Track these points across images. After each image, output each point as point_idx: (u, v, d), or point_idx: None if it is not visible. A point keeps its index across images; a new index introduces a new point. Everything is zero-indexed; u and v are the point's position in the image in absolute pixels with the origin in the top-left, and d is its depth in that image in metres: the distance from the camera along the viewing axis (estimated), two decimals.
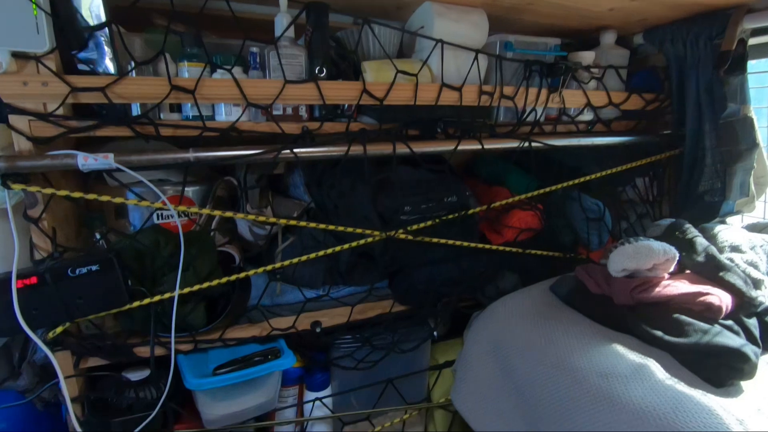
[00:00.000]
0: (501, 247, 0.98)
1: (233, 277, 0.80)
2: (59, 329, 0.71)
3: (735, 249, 0.88)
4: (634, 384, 0.66)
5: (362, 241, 0.87)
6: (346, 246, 0.86)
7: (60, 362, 0.70)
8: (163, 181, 0.86)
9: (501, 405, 0.83)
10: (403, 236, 0.89)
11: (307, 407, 0.94)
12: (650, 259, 0.81)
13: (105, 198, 0.71)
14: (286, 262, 0.84)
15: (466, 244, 0.94)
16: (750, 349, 0.66)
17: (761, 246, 0.92)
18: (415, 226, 0.90)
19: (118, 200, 0.71)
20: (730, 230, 0.94)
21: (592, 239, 1.03)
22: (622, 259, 0.83)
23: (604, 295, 0.86)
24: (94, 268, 0.70)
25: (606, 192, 1.10)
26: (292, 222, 0.83)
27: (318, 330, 0.90)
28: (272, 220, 0.82)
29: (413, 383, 1.02)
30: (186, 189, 0.86)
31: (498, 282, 1.02)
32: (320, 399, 0.92)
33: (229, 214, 0.79)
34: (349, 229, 0.86)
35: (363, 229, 0.87)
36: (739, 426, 0.57)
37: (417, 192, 0.94)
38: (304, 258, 0.84)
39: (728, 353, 0.66)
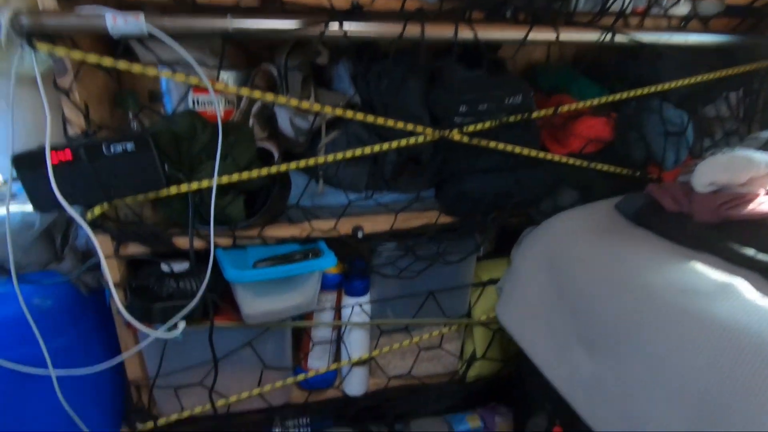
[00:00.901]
0: (564, 158, 0.88)
1: (273, 169, 0.74)
2: (98, 210, 0.68)
3: None
4: (718, 301, 0.59)
5: (411, 140, 0.79)
6: (394, 143, 0.79)
7: (100, 245, 0.68)
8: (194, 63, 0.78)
9: (553, 322, 0.78)
10: (457, 137, 0.80)
11: (345, 313, 0.92)
12: (747, 171, 0.70)
13: (137, 69, 0.64)
14: (329, 157, 0.77)
15: (526, 151, 0.85)
16: None
17: None
18: (471, 128, 0.81)
19: (151, 71, 0.65)
20: None
21: (668, 156, 0.91)
22: (714, 170, 0.73)
23: (681, 213, 0.76)
24: (129, 147, 0.66)
25: (689, 107, 0.96)
26: (338, 112, 0.75)
27: (360, 235, 0.85)
28: (315, 106, 0.74)
29: (454, 298, 0.98)
30: (222, 74, 0.79)
31: (556, 198, 0.93)
32: (359, 304, 0.90)
33: (269, 95, 0.71)
34: (399, 125, 0.77)
35: (418, 128, 0.78)
36: None
37: (475, 89, 0.84)
38: (349, 154, 0.78)
39: None
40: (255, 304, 0.79)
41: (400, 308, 0.96)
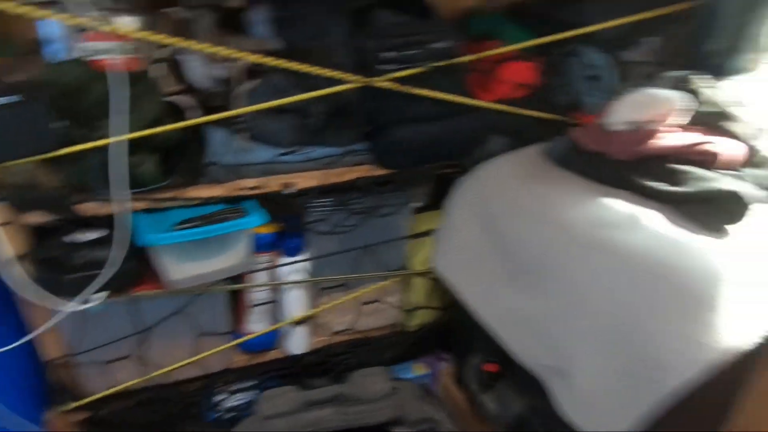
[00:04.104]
0: (491, 105, 0.88)
1: (184, 124, 0.69)
2: None
3: (740, 103, 0.81)
4: (628, 232, 0.63)
5: (336, 88, 0.76)
6: (317, 93, 0.75)
7: None
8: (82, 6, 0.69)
9: (485, 266, 0.80)
10: (384, 84, 0.78)
11: (282, 273, 0.90)
12: (654, 108, 0.73)
13: (10, 6, 0.56)
14: (247, 109, 0.72)
15: (455, 98, 0.84)
16: (746, 192, 0.62)
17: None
18: (398, 74, 0.79)
19: (30, 12, 0.56)
20: (737, 86, 0.86)
21: (591, 100, 0.94)
22: (624, 110, 0.75)
23: (600, 153, 0.79)
24: (13, 100, 0.58)
25: (610, 51, 0.99)
26: (253, 58, 0.70)
27: (290, 191, 0.82)
28: (229, 53, 0.68)
29: (392, 251, 0.98)
30: (120, 19, 0.70)
31: (486, 145, 0.94)
32: (294, 263, 0.88)
33: (178, 41, 0.65)
34: (323, 72, 0.74)
35: (342, 75, 0.75)
36: (734, 263, 0.55)
37: (401, 35, 0.81)
38: (269, 105, 0.73)
39: (727, 196, 0.62)
40: (180, 269, 0.75)
41: (340, 265, 0.96)
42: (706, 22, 1.00)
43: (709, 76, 0.98)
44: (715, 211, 0.63)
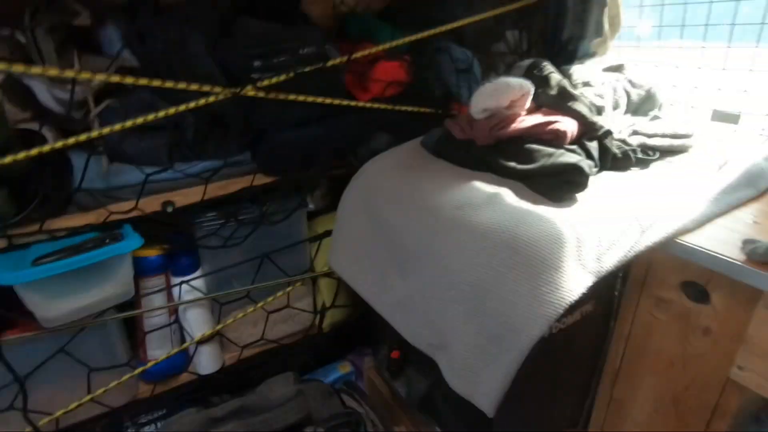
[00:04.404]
0: (368, 104, 0.92)
1: (34, 152, 0.65)
2: None
3: (586, 84, 0.91)
4: (484, 210, 0.68)
5: (202, 101, 0.75)
6: (183, 107, 0.74)
7: None
8: None
9: (373, 258, 0.83)
10: (252, 93, 0.78)
11: (178, 293, 0.88)
12: (507, 95, 0.80)
13: None
14: (107, 130, 0.70)
15: (329, 100, 0.86)
16: (585, 163, 0.70)
17: (610, 82, 0.96)
18: (266, 82, 0.79)
19: None
20: (585, 69, 0.97)
21: (462, 92, 1.01)
22: (482, 98, 0.82)
23: (468, 139, 0.85)
24: None
25: (478, 45, 1.07)
26: (99, 77, 0.67)
27: (169, 210, 0.80)
28: (72, 73, 0.65)
29: (293, 256, 0.99)
30: None
31: (370, 143, 0.97)
32: (187, 282, 0.86)
33: (16, 66, 0.61)
34: (185, 86, 0.72)
35: (207, 87, 0.74)
36: (570, 228, 0.61)
37: (267, 42, 0.81)
38: (129, 123, 0.71)
39: (567, 169, 0.69)
40: (54, 306, 0.71)
41: (242, 276, 0.95)
42: (559, 12, 1.11)
43: (564, 62, 1.08)
44: (561, 183, 0.71)
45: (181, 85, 0.72)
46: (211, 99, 0.75)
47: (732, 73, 0.95)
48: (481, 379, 0.62)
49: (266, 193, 0.90)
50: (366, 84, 0.93)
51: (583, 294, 0.58)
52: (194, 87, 0.73)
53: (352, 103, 0.90)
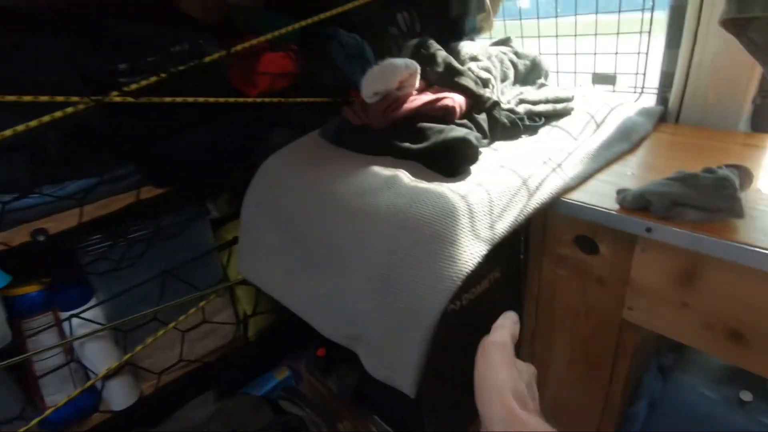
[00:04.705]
0: (258, 99, 0.87)
1: None
2: None
3: (473, 59, 0.93)
4: (382, 195, 0.67)
5: (61, 113, 0.67)
6: (36, 122, 0.65)
7: None
8: None
9: (283, 259, 0.80)
10: (119, 99, 0.71)
11: (74, 329, 0.79)
12: (395, 76, 0.80)
13: None
14: None
15: (212, 100, 0.81)
16: (473, 136, 0.71)
17: (496, 55, 0.99)
18: (134, 86, 0.73)
19: None
20: (472, 44, 0.99)
21: (357, 78, 0.99)
22: (371, 82, 0.81)
23: (365, 125, 0.84)
24: None
25: (369, 29, 1.05)
26: None
27: (41, 239, 0.71)
28: None
29: (203, 269, 0.93)
30: None
31: (269, 141, 0.93)
32: (77, 315, 0.78)
33: None
34: (42, 99, 0.64)
35: (61, 98, 0.66)
36: (462, 201, 0.62)
37: (133, 43, 0.75)
38: None
39: (457, 143, 0.70)
40: None
41: (150, 298, 0.87)
42: None
43: (455, 39, 1.10)
44: (453, 157, 0.72)
45: (27, 98, 0.64)
46: (70, 110, 0.68)
47: (605, 38, 1.02)
48: (397, 363, 0.61)
49: (159, 206, 0.83)
50: (253, 79, 0.88)
51: (481, 262, 0.59)
52: (44, 99, 0.65)
53: (240, 100, 0.85)
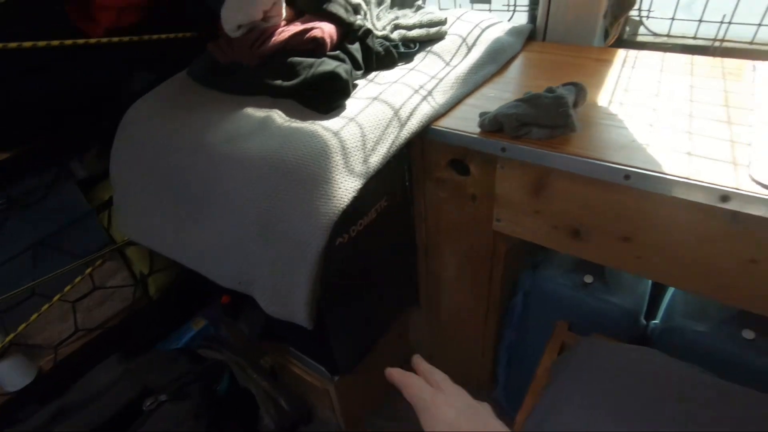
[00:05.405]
0: (104, 39, 0.77)
1: None
2: None
3: None
4: (254, 138, 0.66)
5: None
6: None
7: None
8: None
9: (164, 212, 0.76)
10: None
11: None
12: (256, 5, 0.74)
13: None
14: None
15: (42, 43, 0.70)
16: (343, 69, 0.70)
17: None
18: None
19: None
20: None
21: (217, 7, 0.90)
22: (231, 13, 0.74)
23: (234, 62, 0.79)
24: None
25: None
26: None
27: None
28: None
29: (81, 233, 0.86)
30: None
31: (130, 86, 0.84)
32: None
33: None
34: None
35: None
36: (333, 137, 0.63)
37: None
38: None
39: (326, 77, 0.69)
40: None
41: (24, 273, 0.80)
42: None
43: None
44: (326, 93, 0.71)
45: None
46: None
47: None
48: (290, 300, 0.65)
49: (7, 172, 0.73)
50: (93, 14, 0.77)
51: (367, 194, 0.62)
52: None
53: (80, 42, 0.74)
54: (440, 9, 1.09)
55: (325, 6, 0.78)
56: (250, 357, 1.05)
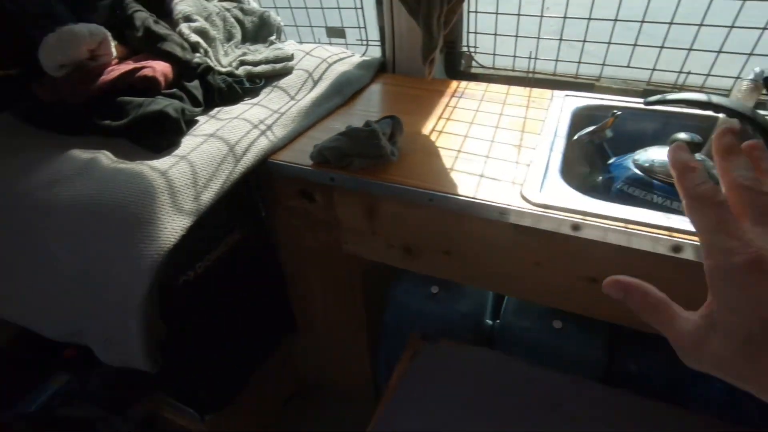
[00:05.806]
0: None
1: None
2: None
3: (187, 19, 0.89)
4: (75, 182, 0.63)
5: None
6: None
7: None
8: None
9: None
10: None
11: None
12: (78, 45, 0.72)
13: None
14: None
15: None
16: (172, 108, 0.71)
17: (218, 13, 0.97)
18: None
19: None
20: (189, 2, 0.94)
21: None
22: (50, 53, 0.72)
23: (59, 102, 0.75)
24: None
25: None
26: None
27: None
28: None
29: None
30: None
31: None
32: None
33: None
34: None
35: None
36: (160, 177, 0.63)
37: None
38: None
39: (155, 116, 0.69)
40: None
41: None
42: None
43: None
44: (155, 132, 0.70)
45: None
46: None
47: None
48: (126, 347, 0.62)
49: None
50: None
51: (217, 229, 0.62)
52: None
53: None
54: (301, 43, 1.13)
55: (159, 45, 0.79)
56: (115, 408, 0.98)
